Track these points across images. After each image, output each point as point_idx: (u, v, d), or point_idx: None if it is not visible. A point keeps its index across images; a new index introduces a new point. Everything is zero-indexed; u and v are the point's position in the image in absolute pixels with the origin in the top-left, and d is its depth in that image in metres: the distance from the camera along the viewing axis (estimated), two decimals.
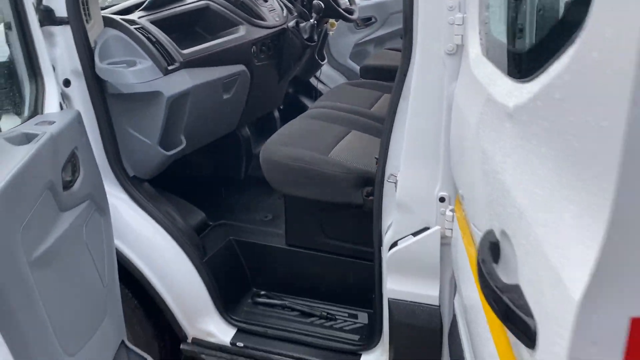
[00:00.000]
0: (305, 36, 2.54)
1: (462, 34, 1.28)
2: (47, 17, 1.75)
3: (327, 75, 3.49)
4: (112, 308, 1.59)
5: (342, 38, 3.56)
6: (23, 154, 1.14)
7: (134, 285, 2.01)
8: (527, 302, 0.65)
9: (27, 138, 1.26)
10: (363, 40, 3.62)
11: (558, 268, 0.56)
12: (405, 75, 1.46)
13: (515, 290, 0.69)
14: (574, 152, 0.55)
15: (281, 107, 3.00)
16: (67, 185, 1.42)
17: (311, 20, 2.55)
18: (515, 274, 0.71)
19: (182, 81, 1.97)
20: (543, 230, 0.61)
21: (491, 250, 0.79)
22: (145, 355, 1.65)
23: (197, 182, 2.53)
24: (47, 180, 1.23)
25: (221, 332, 2.05)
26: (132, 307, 2.08)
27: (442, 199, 1.47)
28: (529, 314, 0.64)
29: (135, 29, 1.91)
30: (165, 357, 2.19)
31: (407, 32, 1.41)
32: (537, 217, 0.62)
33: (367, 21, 3.60)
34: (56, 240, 1.23)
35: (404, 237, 1.56)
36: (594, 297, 0.50)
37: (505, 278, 0.74)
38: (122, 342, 1.62)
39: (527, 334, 0.64)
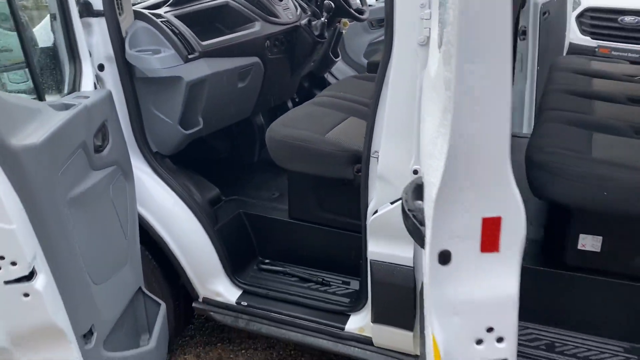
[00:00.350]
0: (316, 33, 2.78)
1: (430, 27, 1.51)
2: (86, 10, 2.02)
3: (341, 71, 3.73)
4: (132, 259, 1.86)
5: (357, 37, 3.80)
6: (62, 117, 1.42)
7: (153, 248, 2.28)
8: (424, 217, 0.89)
9: (66, 106, 1.54)
10: (377, 40, 3.85)
11: (434, 182, 0.80)
12: (386, 64, 1.69)
13: (420, 211, 0.92)
14: (443, 101, 0.79)
15: (296, 100, 3.26)
16: (97, 149, 1.69)
17: (322, 19, 2.80)
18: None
19: (200, 69, 2.23)
20: (430, 161, 0.84)
21: (415, 190, 1.02)
22: (159, 300, 1.92)
23: (214, 162, 2.80)
24: (81, 140, 1.50)
25: (228, 292, 2.30)
26: (152, 267, 2.35)
27: (415, 172, 1.70)
28: (423, 224, 0.87)
29: (161, 21, 2.18)
30: (179, 314, 2.46)
31: (387, 27, 1.64)
32: (428, 150, 0.85)
33: (381, 22, 3.84)
34: (87, 189, 1.50)
35: (383, 206, 1.79)
36: (445, 198, 0.72)
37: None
38: (140, 288, 1.88)
39: (422, 239, 0.87)
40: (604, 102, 2.34)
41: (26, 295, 1.23)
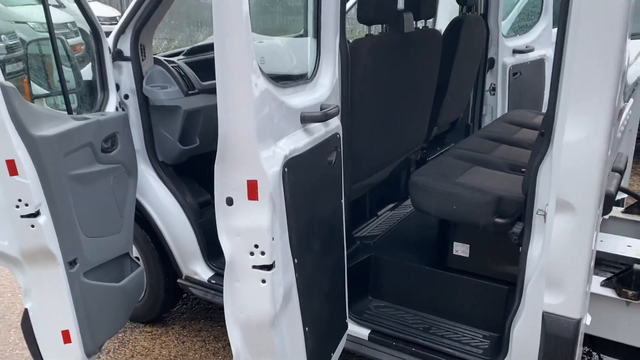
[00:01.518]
0: None
1: None
2: (118, 55, 2.87)
3: None
4: (124, 231, 2.62)
5: None
6: (75, 124, 2.23)
7: (151, 233, 3.04)
8: None
9: (84, 119, 2.35)
10: None
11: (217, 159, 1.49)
12: None
13: None
14: None
15: None
16: (105, 150, 2.48)
17: None
18: None
19: (197, 101, 3.01)
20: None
21: None
22: (140, 263, 2.66)
23: (210, 173, 3.56)
24: (88, 141, 2.30)
25: (203, 272, 3.00)
26: (150, 249, 3.11)
27: None
28: None
29: (172, 66, 3.00)
30: (169, 288, 3.19)
31: None
32: None
33: None
34: (88, 173, 2.28)
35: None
36: (224, 168, 1.39)
37: None
38: (127, 253, 2.64)
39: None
40: (507, 146, 2.89)
41: (32, 226, 2.00)
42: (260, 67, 1.59)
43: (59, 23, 4.11)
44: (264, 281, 1.59)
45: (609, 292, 2.36)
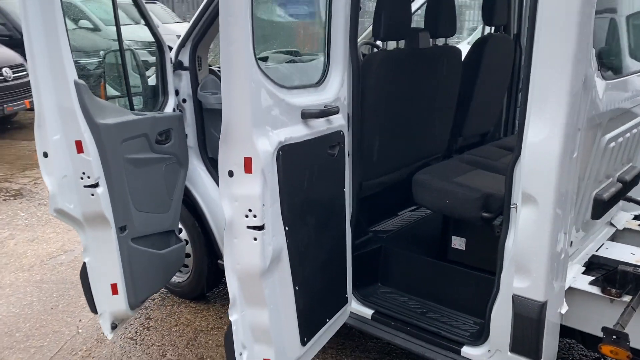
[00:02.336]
0: None
1: None
2: (179, 66, 3.40)
3: None
4: (172, 212, 3.11)
5: None
6: (134, 117, 2.75)
7: (199, 219, 3.53)
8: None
9: (142, 114, 2.87)
10: None
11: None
12: None
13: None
14: None
15: None
16: (159, 142, 2.99)
17: None
18: None
19: None
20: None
21: None
22: (182, 240, 3.14)
23: None
24: (144, 132, 2.81)
25: None
26: (197, 233, 3.60)
27: None
28: None
29: None
30: (212, 269, 3.65)
31: None
32: None
33: None
34: (142, 158, 2.79)
35: None
36: (224, 141, 1.80)
37: None
38: (173, 230, 3.13)
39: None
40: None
41: (92, 195, 2.51)
42: (262, 70, 2.01)
43: (145, 41, 4.82)
44: (255, 239, 1.98)
45: (595, 290, 2.56)
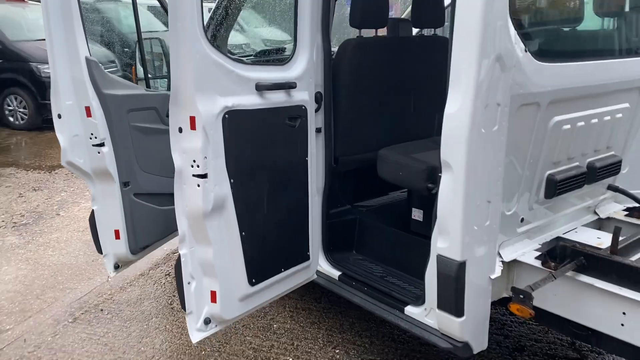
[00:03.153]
0: None
1: None
2: None
3: None
4: None
5: None
6: (142, 91, 3.26)
7: None
8: None
9: (155, 91, 3.38)
10: None
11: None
12: None
13: None
14: None
15: None
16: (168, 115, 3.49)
17: None
18: None
19: None
20: None
21: None
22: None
23: None
24: (153, 106, 3.31)
25: None
26: None
27: None
28: None
29: None
30: None
31: None
32: None
33: None
34: (151, 128, 3.30)
35: None
36: (173, 102, 2.24)
37: None
38: None
39: None
40: None
41: (99, 152, 3.03)
42: (213, 45, 2.41)
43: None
44: (199, 185, 2.37)
45: (537, 263, 2.72)
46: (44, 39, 2.93)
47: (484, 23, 2.19)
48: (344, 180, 3.44)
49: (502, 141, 2.45)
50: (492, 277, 2.59)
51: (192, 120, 2.34)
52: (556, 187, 2.87)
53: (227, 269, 2.59)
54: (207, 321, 2.61)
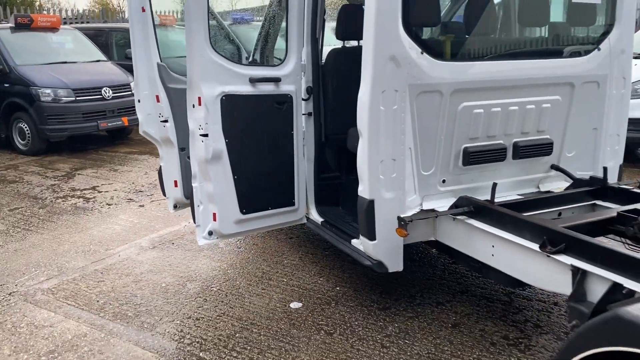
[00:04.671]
0: None
1: None
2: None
3: None
4: None
5: None
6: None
7: None
8: None
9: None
10: None
11: None
12: None
13: None
14: None
15: None
16: None
17: None
18: None
19: None
20: None
21: None
22: None
23: None
24: None
25: None
26: None
27: None
28: None
29: None
30: None
31: None
32: None
33: None
34: None
35: None
36: (189, 87, 3.61)
37: None
38: None
39: None
40: None
41: (164, 126, 4.51)
42: (216, 51, 3.74)
43: None
44: (202, 141, 3.71)
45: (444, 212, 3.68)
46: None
47: (376, 35, 3.29)
48: (336, 154, 4.59)
49: (403, 117, 3.47)
50: (402, 215, 3.59)
51: (199, 99, 3.70)
52: (469, 158, 3.77)
53: (224, 199, 3.90)
54: (210, 233, 3.95)
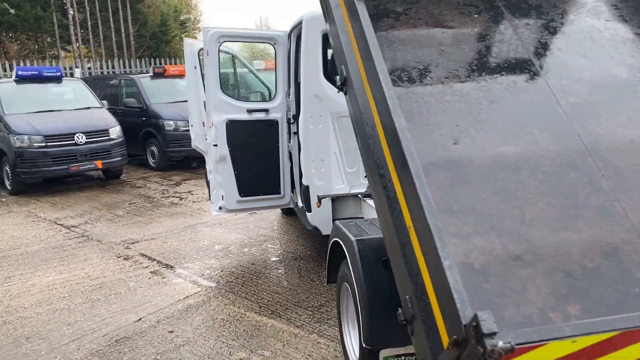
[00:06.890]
0: None
1: None
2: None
3: None
4: None
5: None
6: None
7: None
8: None
9: None
10: None
11: None
12: None
13: None
14: None
15: None
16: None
17: None
18: None
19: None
20: None
21: None
22: None
23: None
24: None
25: None
26: None
27: None
28: None
29: None
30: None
31: None
32: None
33: None
34: None
35: None
36: (207, 114, 5.88)
37: None
38: None
39: None
40: None
41: (206, 138, 6.89)
42: (225, 93, 6.01)
43: None
44: (214, 148, 5.96)
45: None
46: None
47: (305, 80, 5.35)
48: None
49: (327, 133, 5.46)
50: (320, 194, 5.52)
51: (212, 124, 5.99)
52: None
53: (229, 187, 6.13)
54: (220, 208, 6.18)
